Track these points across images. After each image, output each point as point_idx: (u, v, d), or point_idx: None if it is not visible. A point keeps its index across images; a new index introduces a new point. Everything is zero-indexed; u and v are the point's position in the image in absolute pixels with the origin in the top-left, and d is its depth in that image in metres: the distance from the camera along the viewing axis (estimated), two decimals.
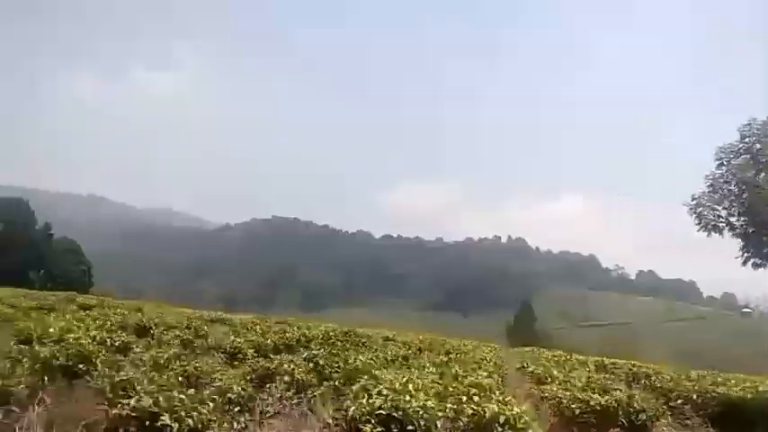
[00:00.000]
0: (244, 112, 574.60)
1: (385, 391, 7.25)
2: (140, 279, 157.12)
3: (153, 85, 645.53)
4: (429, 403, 7.03)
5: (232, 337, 15.45)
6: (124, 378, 7.76)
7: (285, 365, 11.20)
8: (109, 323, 15.21)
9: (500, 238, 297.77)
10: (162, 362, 10.37)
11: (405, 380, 7.91)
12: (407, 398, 7.03)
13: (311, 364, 12.07)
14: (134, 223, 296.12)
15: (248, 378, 10.49)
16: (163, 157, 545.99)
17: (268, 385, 10.33)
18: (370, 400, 7.02)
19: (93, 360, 9.48)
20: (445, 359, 15.48)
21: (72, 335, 10.39)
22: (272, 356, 13.08)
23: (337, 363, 12.03)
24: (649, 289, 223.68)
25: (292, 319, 31.02)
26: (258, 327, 20.98)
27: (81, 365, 9.26)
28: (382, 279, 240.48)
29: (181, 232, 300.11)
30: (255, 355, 13.90)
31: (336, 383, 10.33)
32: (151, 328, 15.44)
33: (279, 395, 9.86)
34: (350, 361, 11.55)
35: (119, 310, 21.49)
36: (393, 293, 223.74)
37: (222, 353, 13.50)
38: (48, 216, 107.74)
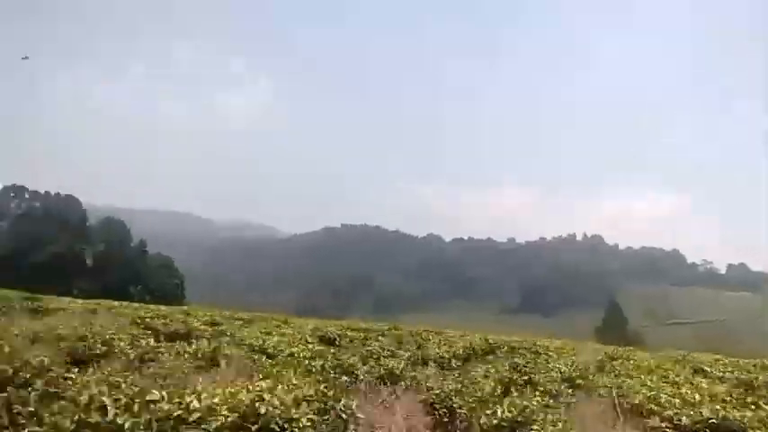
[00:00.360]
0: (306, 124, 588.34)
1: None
2: (225, 290, 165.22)
3: (224, 102, 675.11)
4: (747, 413, 7.68)
5: (436, 349, 15.05)
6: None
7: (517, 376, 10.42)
8: (299, 335, 15.46)
9: (575, 236, 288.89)
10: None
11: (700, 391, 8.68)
12: (726, 408, 7.76)
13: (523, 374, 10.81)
14: (212, 237, 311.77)
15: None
16: (231, 173, 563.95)
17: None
18: (698, 410, 7.69)
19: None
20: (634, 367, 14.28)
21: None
22: (478, 364, 12.75)
23: (544, 370, 11.41)
24: (740, 283, 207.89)
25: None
26: (427, 337, 19.97)
27: None
28: (454, 282, 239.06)
29: (255, 243, 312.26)
30: (460, 364, 13.32)
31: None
32: (335, 339, 15.36)
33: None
34: (560, 369, 11.53)
35: (273, 322, 21.41)
36: (466, 297, 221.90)
37: (433, 362, 12.97)
38: (140, 233, 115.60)
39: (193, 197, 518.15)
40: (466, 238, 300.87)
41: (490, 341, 17.27)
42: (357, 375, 9.87)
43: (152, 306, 29.81)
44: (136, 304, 32.31)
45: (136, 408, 4.61)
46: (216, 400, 4.89)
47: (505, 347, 16.88)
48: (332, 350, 12.56)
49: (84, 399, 4.76)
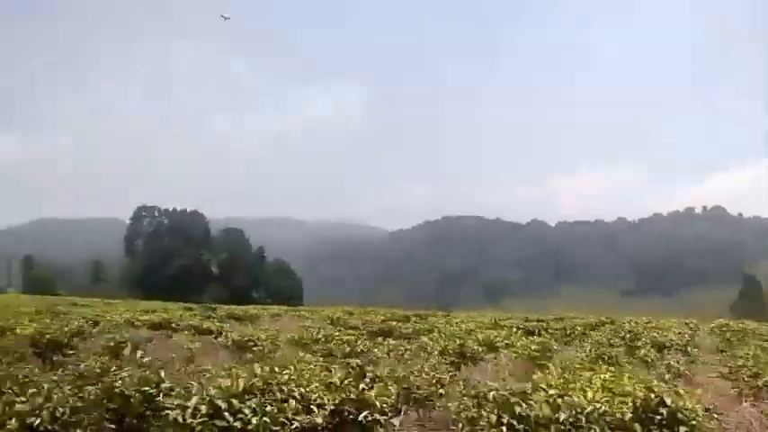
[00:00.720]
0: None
1: None
2: (333, 290, 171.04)
3: (318, 110, 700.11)
4: None
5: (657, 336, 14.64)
6: None
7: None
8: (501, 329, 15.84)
9: (693, 209, 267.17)
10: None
11: None
12: None
13: None
14: (310, 237, 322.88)
15: None
16: (307, 173, 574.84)
17: None
18: None
19: None
20: None
21: None
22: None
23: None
24: None
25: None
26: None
27: None
28: (563, 267, 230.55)
29: (354, 241, 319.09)
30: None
31: None
32: (536, 331, 15.69)
33: None
34: None
35: (442, 318, 21.81)
36: (577, 281, 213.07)
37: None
38: (258, 241, 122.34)
39: (287, 200, 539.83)
40: (571, 221, 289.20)
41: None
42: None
43: (327, 309, 31.60)
44: (310, 308, 34.85)
45: None
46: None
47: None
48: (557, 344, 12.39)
49: None
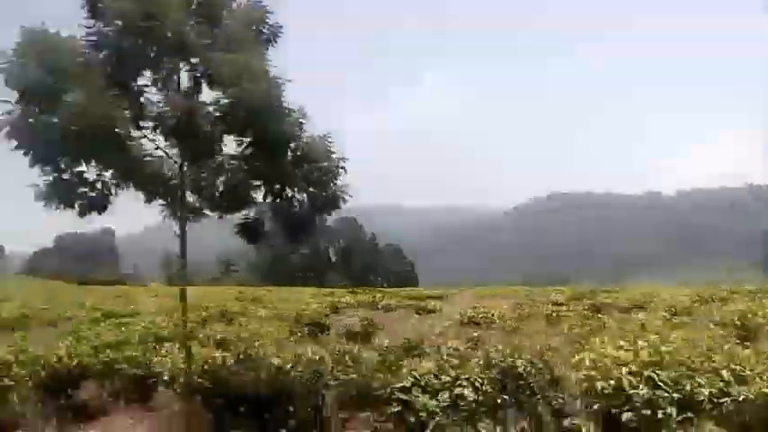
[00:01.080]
0: None
1: None
2: (449, 271, 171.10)
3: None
4: None
5: None
6: None
7: None
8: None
9: None
10: None
11: None
12: None
13: None
14: (425, 221, 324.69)
15: None
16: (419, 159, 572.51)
17: None
18: None
19: None
20: None
21: None
22: None
23: None
24: None
25: None
26: None
27: None
28: (688, 237, 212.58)
29: (475, 224, 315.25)
30: None
31: None
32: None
33: None
34: None
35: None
36: (705, 251, 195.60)
37: None
38: (372, 228, 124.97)
39: (399, 188, 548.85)
40: (689, 189, 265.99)
41: None
42: None
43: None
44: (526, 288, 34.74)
45: None
46: None
47: None
48: None
49: None
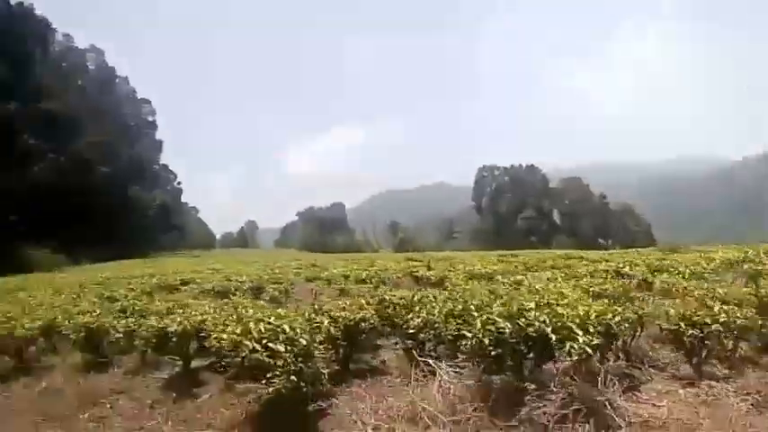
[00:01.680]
0: None
1: None
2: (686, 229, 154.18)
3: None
4: None
5: None
6: None
7: None
8: None
9: None
10: None
11: None
12: None
13: None
14: (660, 177, 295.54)
15: None
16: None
17: None
18: None
19: None
20: None
21: None
22: None
23: None
24: None
25: None
26: None
27: None
28: None
29: (704, 174, 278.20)
30: None
31: None
32: None
33: None
34: None
35: None
36: None
37: None
38: (597, 188, 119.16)
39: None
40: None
41: None
42: None
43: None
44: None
45: None
46: None
47: None
48: None
49: None
